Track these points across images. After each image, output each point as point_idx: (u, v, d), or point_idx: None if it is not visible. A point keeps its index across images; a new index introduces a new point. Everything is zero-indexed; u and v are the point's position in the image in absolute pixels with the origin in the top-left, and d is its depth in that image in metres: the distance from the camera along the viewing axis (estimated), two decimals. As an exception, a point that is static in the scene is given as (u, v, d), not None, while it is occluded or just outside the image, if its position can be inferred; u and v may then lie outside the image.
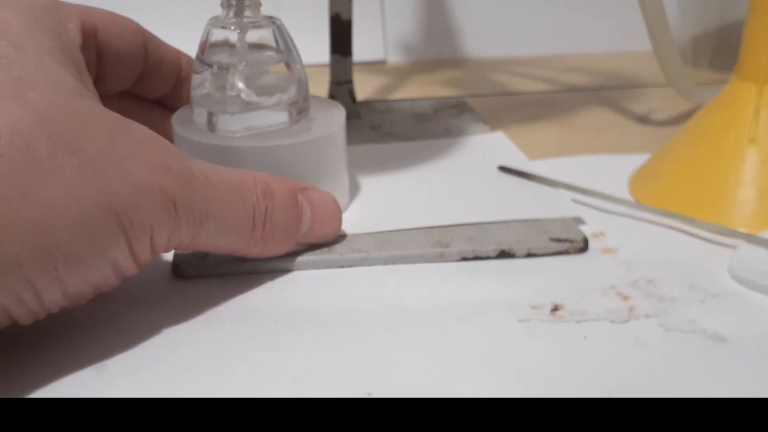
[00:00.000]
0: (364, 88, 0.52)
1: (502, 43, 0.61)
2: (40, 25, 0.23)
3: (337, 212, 0.28)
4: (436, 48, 0.61)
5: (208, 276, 0.27)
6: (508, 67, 0.57)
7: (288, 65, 0.29)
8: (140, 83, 0.30)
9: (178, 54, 0.31)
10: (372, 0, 0.60)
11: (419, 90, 0.52)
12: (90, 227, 0.20)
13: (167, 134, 0.32)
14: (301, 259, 0.27)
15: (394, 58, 0.61)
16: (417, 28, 0.61)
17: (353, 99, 0.45)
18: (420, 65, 0.60)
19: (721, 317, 0.24)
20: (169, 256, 0.27)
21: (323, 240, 0.28)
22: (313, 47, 0.48)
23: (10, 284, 0.19)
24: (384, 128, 0.42)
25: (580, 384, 0.21)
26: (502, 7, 0.61)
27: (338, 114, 0.31)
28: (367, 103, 0.48)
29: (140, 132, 0.23)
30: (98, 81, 0.28)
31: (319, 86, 0.46)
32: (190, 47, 0.31)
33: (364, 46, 0.56)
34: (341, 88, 0.44)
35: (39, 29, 0.23)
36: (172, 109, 0.32)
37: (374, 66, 0.60)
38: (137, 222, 0.21)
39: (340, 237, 0.28)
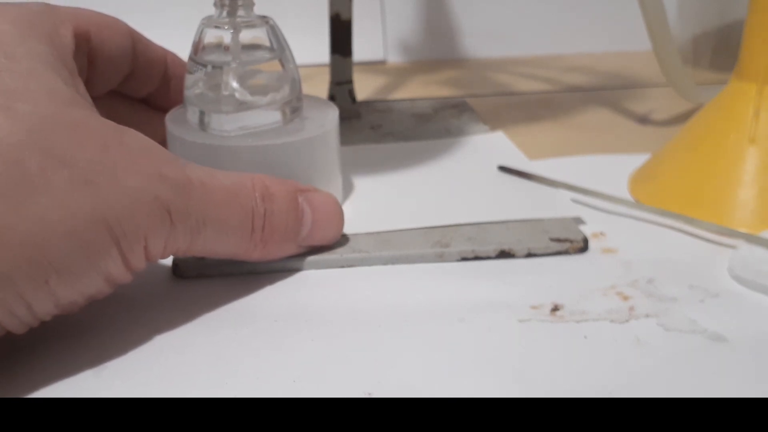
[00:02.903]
0: (364, 88, 0.52)
1: (502, 43, 0.61)
2: (33, 31, 0.23)
3: (339, 214, 0.28)
4: (436, 48, 0.61)
5: (208, 276, 0.27)
6: (508, 67, 0.57)
7: (281, 64, 0.29)
8: (127, 83, 0.30)
9: (164, 53, 0.31)
10: (372, 0, 0.60)
11: (419, 90, 0.52)
12: (82, 240, 0.20)
13: (154, 133, 0.31)
14: (301, 259, 0.27)
15: (394, 58, 0.61)
16: (417, 28, 0.61)
17: (353, 99, 0.45)
18: (420, 65, 0.60)
19: (721, 317, 0.24)
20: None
21: (325, 242, 0.27)
22: (313, 47, 0.48)
23: (2, 299, 0.19)
24: (384, 128, 0.42)
25: (580, 384, 0.21)
26: (502, 7, 0.61)
27: (331, 113, 0.31)
28: (367, 103, 0.48)
29: (134, 139, 0.22)
30: (86, 83, 0.27)
31: (319, 86, 0.46)
32: (183, 47, 0.31)
33: (364, 46, 0.56)
34: (341, 88, 0.44)
35: (32, 35, 0.23)
36: (158, 108, 0.32)
37: (374, 66, 0.60)
38: (131, 232, 0.21)
39: (340, 237, 0.28)
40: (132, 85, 0.30)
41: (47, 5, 0.25)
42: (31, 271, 0.19)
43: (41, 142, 0.20)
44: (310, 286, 0.26)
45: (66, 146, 0.21)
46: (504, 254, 0.28)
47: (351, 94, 0.45)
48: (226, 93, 0.28)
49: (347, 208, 0.31)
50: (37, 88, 0.21)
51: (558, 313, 0.24)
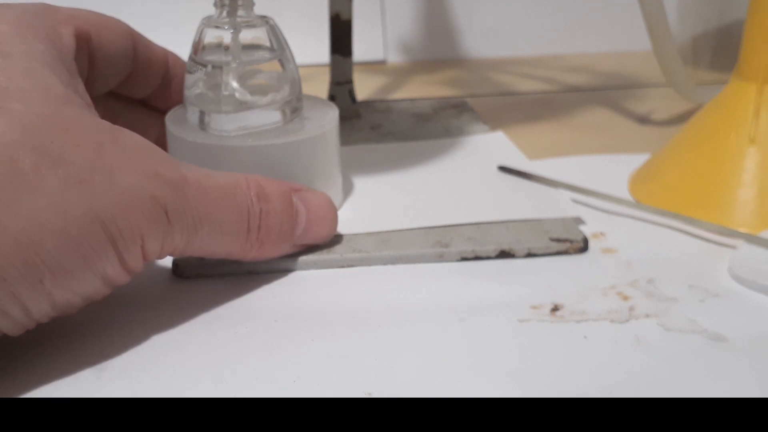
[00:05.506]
0: (364, 88, 0.52)
1: (502, 43, 0.61)
2: (31, 31, 0.23)
3: (333, 213, 0.28)
4: (436, 48, 0.61)
5: (208, 276, 0.27)
6: (508, 67, 0.57)
7: (281, 64, 0.29)
8: (127, 83, 0.30)
9: (165, 53, 0.31)
10: (372, 0, 0.60)
11: (419, 90, 0.52)
12: (76, 239, 0.20)
13: (153, 135, 0.31)
14: (301, 259, 0.27)
15: (394, 58, 0.61)
16: (417, 28, 0.61)
17: (353, 99, 0.45)
18: (420, 65, 0.60)
19: (721, 317, 0.24)
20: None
21: (319, 241, 0.27)
22: (313, 47, 0.48)
23: None
24: (384, 128, 0.42)
25: (580, 384, 0.21)
26: (502, 7, 0.61)
27: (331, 113, 0.31)
28: (367, 103, 0.48)
29: (130, 139, 0.22)
30: (86, 83, 0.27)
31: (319, 86, 0.46)
32: (183, 47, 0.31)
33: (364, 46, 0.56)
34: (341, 88, 0.44)
35: (30, 35, 0.23)
36: (157, 109, 0.32)
37: (374, 66, 0.60)
38: (126, 232, 0.21)
39: (339, 237, 0.28)
40: (132, 86, 0.30)
41: (47, 6, 0.25)
42: (24, 270, 0.19)
43: (35, 141, 0.20)
44: (310, 286, 0.26)
45: (60, 145, 0.20)
46: (504, 254, 0.28)
47: (351, 94, 0.45)
48: (226, 93, 0.28)
49: (347, 208, 0.31)
50: (31, 88, 0.21)
51: (558, 313, 0.24)
